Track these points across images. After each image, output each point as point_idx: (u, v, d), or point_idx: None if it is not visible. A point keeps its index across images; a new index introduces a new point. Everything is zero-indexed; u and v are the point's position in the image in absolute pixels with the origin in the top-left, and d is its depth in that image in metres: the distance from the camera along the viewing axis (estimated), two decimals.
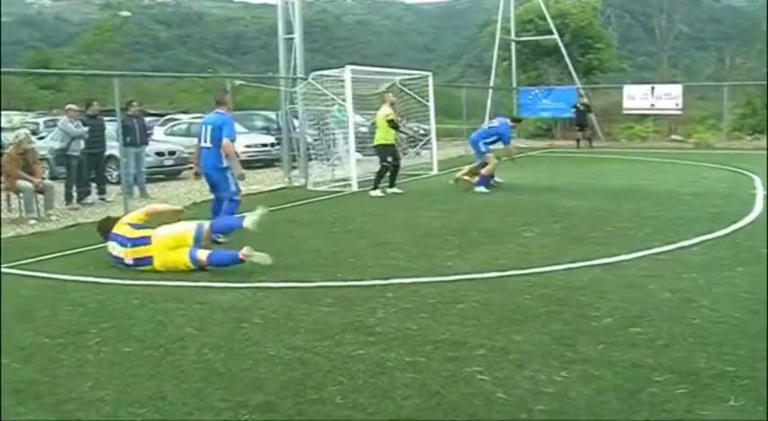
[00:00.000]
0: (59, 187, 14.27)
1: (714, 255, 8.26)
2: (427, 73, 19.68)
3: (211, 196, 10.58)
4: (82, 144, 14.48)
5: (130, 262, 8.13)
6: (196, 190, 15.50)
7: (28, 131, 14.32)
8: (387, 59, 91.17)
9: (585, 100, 29.84)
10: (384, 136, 14.80)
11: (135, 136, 15.64)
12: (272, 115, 25.62)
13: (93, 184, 15.30)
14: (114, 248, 8.25)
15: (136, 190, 15.87)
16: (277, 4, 18.63)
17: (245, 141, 22.16)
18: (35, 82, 53.43)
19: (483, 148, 15.17)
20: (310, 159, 18.02)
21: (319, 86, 16.83)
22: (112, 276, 7.96)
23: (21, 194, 12.72)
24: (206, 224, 8.43)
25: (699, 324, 5.67)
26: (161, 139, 22.39)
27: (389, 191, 14.75)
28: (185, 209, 11.33)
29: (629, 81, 35.04)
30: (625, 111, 30.68)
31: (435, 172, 18.51)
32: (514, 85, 33.29)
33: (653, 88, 30.25)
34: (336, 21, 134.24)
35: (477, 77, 61.55)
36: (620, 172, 18.51)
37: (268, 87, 23.17)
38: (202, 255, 8.02)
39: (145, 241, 8.09)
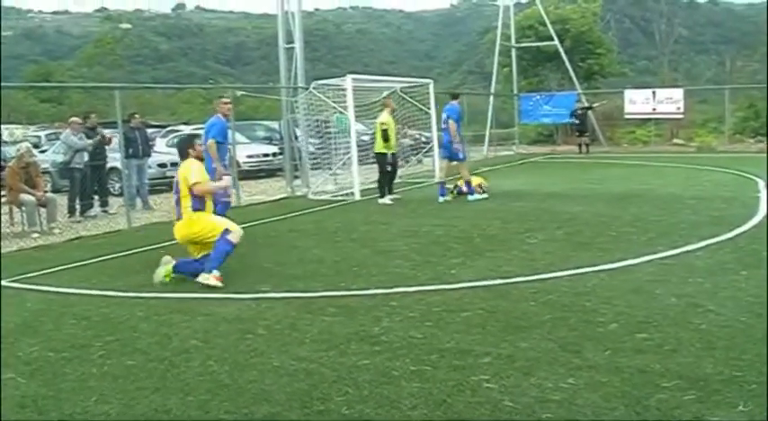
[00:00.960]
0: (62, 200, 14.26)
1: (719, 258, 8.23)
2: (428, 80, 19.67)
3: None
4: (85, 157, 14.49)
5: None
6: None
7: (29, 145, 14.39)
8: (388, 67, 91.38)
9: (585, 103, 29.87)
10: (381, 144, 14.85)
11: (137, 148, 15.66)
12: (273, 125, 25.65)
13: (96, 197, 15.30)
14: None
15: (138, 202, 15.88)
16: (277, 14, 18.66)
17: (246, 151, 22.20)
18: (36, 95, 53.48)
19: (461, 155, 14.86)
20: (312, 169, 18.02)
21: (321, 95, 16.86)
22: (116, 289, 7.95)
23: (23, 208, 12.74)
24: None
25: (705, 329, 5.64)
26: (163, 151, 22.40)
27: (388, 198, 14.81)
28: None
29: (630, 85, 35.07)
30: (627, 116, 30.68)
31: (437, 179, 18.44)
32: (515, 92, 33.29)
33: (654, 92, 30.25)
34: (337, 30, 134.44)
35: (479, 84, 61.58)
36: (623, 177, 18.48)
37: (269, 97, 23.23)
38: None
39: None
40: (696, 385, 4.53)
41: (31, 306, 7.39)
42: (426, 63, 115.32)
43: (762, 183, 15.04)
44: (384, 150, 14.94)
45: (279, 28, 18.50)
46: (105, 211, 15.25)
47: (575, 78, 31.61)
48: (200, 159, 8.42)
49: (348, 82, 16.08)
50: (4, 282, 8.50)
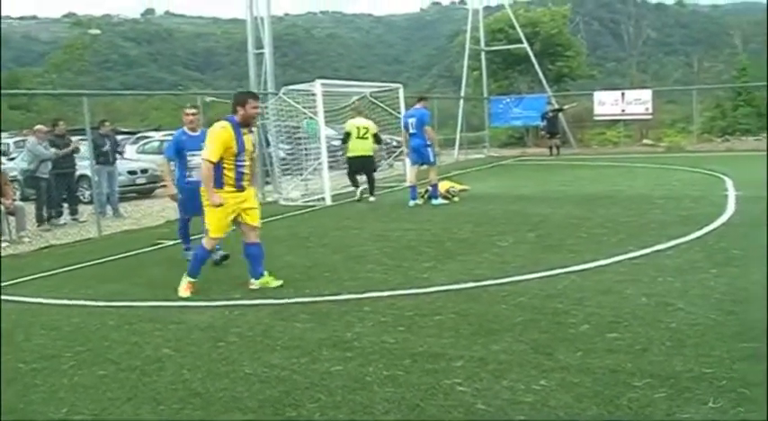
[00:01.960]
0: (30, 208, 14.12)
1: (688, 257, 8.31)
2: (398, 85, 19.71)
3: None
4: (50, 166, 14.36)
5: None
6: (170, 207, 15.38)
7: None
8: (358, 72, 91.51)
9: (555, 105, 30.07)
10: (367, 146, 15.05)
11: (107, 155, 15.54)
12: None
13: (66, 205, 15.18)
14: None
15: (109, 209, 15.78)
16: (246, 20, 18.59)
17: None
18: (4, 102, 52.85)
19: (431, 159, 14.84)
20: (283, 174, 17.96)
21: (290, 101, 16.82)
22: (87, 298, 7.88)
23: None
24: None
25: (675, 327, 5.69)
26: (133, 158, 22.30)
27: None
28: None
29: (600, 87, 35.35)
30: (596, 118, 30.93)
31: (409, 183, 18.45)
32: (485, 95, 33.42)
33: (623, 94, 30.53)
34: (307, 34, 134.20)
35: (448, 88, 61.74)
36: (593, 178, 18.61)
37: None
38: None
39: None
40: (667, 383, 4.57)
41: (2, 316, 7.30)
42: (396, 67, 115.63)
43: (729, 182, 15.21)
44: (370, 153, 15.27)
45: (248, 33, 18.44)
46: (75, 219, 15.14)
47: (544, 81, 31.80)
48: (246, 124, 7.61)
49: (317, 87, 16.07)
50: None
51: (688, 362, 4.91)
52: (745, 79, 31.24)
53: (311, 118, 16.46)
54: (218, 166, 7.39)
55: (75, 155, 15.27)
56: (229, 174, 7.50)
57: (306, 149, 17.38)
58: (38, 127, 14.97)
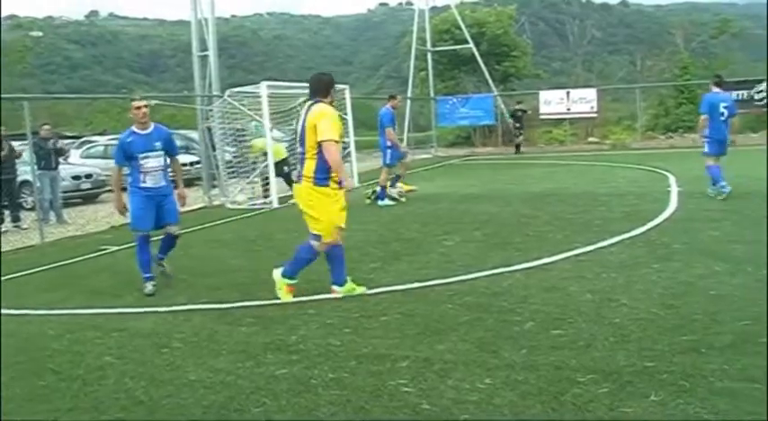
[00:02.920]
0: None
1: (631, 253, 8.42)
2: (344, 86, 19.62)
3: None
4: None
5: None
6: (115, 213, 15.15)
7: None
8: (306, 73, 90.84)
9: (523, 105, 30.32)
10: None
11: (49, 160, 15.25)
12: (192, 134, 25.30)
13: (7, 211, 14.86)
14: None
15: (52, 215, 15.49)
16: (191, 21, 18.38)
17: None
18: None
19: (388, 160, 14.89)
20: (230, 177, 17.80)
21: (235, 103, 16.67)
22: (28, 307, 7.72)
23: None
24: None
25: (619, 322, 5.75)
26: (77, 162, 21.95)
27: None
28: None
29: (546, 87, 35.65)
30: (542, 117, 31.22)
31: (356, 184, 18.41)
32: (432, 95, 33.53)
33: (568, 93, 30.86)
34: (254, 36, 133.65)
35: (397, 88, 61.76)
36: (540, 176, 18.77)
37: (184, 106, 22.88)
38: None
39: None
40: (610, 378, 4.62)
41: None
42: (344, 68, 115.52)
43: (672, 178, 15.45)
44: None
45: (192, 35, 18.22)
46: (17, 226, 14.84)
47: (490, 81, 32.03)
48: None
49: (263, 89, 15.95)
50: None
51: (631, 357, 4.96)
52: (687, 77, 31.87)
53: (257, 120, 16.32)
54: (322, 157, 6.73)
55: (16, 160, 14.96)
56: None
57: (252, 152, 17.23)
58: None
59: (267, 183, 16.42)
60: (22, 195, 16.54)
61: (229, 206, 16.33)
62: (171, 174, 8.43)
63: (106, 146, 24.06)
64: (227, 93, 16.99)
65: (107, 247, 11.42)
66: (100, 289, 8.50)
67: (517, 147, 29.19)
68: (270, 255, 9.86)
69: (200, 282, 8.31)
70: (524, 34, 43.67)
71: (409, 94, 32.95)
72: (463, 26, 32.30)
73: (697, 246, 8.55)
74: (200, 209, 16.35)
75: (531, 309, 6.27)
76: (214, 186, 18.09)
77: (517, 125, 29.64)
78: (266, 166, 16.07)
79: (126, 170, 8.21)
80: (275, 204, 15.56)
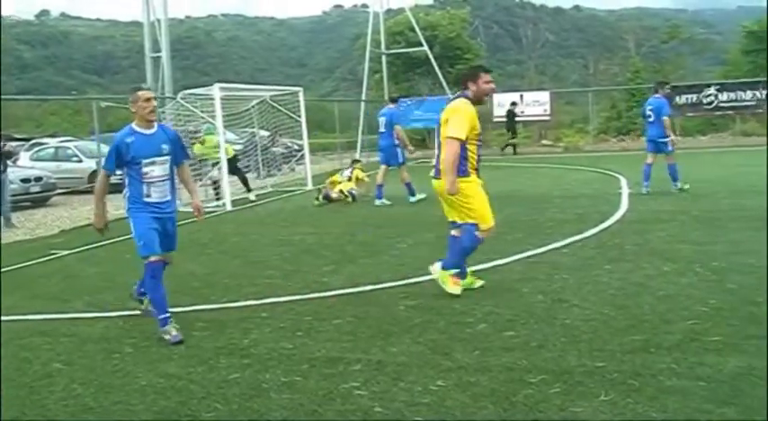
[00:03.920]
0: None
1: (583, 254, 8.51)
2: (298, 88, 19.60)
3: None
4: None
5: None
6: (65, 217, 14.96)
7: None
8: (260, 75, 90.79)
9: (517, 107, 30.30)
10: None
11: None
12: None
13: None
14: None
15: (0, 219, 15.16)
16: (143, 23, 18.20)
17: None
18: None
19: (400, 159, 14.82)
20: None
21: (188, 105, 16.53)
22: None
23: None
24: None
25: (570, 323, 5.80)
26: (27, 165, 21.60)
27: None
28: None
29: (499, 89, 35.84)
30: (495, 119, 31.34)
31: (310, 187, 18.40)
32: (386, 98, 33.47)
33: (521, 95, 31.07)
34: (208, 37, 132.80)
35: (352, 90, 61.90)
36: (493, 178, 18.70)
37: None
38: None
39: None
40: (561, 378, 4.65)
41: None
42: (299, 70, 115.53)
43: (623, 181, 15.64)
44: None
45: (145, 36, 18.08)
46: None
47: (444, 83, 32.12)
48: (478, 101, 7.03)
49: (216, 91, 15.83)
50: None
51: (582, 357, 5.00)
52: (639, 81, 32.31)
53: (210, 122, 16.19)
54: (461, 151, 6.63)
55: None
56: (473, 157, 6.83)
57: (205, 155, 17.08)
58: None
59: (218, 187, 16.30)
60: None
61: (182, 209, 16.09)
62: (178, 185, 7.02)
63: (57, 148, 23.76)
64: (180, 95, 16.87)
65: (57, 252, 11.23)
66: (49, 294, 8.35)
67: (514, 147, 29.08)
68: (223, 259, 9.84)
69: None
70: (478, 37, 43.98)
71: (364, 97, 32.91)
72: (417, 29, 32.37)
73: (647, 246, 8.67)
74: None
75: (484, 311, 6.28)
76: None
77: (508, 126, 29.58)
78: (218, 168, 15.95)
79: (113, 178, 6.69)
80: (228, 207, 15.43)
